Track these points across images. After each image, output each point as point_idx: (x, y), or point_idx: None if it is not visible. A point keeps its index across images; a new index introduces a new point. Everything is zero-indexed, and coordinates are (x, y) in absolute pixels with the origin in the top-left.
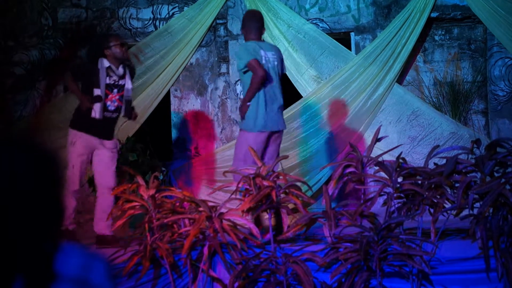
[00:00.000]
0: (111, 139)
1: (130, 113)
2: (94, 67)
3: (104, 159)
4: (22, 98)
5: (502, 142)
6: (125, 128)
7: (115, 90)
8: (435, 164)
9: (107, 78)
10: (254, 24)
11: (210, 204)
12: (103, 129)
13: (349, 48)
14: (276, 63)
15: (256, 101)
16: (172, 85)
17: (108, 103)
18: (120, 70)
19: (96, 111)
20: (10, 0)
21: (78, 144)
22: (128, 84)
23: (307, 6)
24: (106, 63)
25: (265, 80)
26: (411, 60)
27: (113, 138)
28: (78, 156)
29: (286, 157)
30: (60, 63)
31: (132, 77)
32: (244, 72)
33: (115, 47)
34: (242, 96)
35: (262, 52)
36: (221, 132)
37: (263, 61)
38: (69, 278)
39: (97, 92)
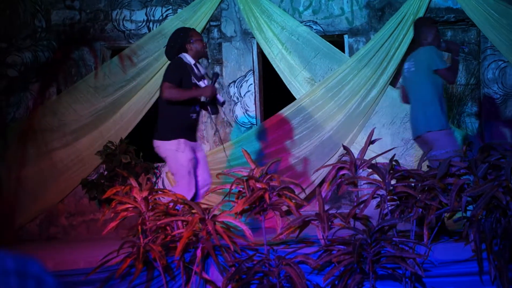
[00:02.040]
0: (197, 141)
1: (216, 111)
2: (184, 63)
3: (201, 160)
4: (15, 100)
5: (495, 144)
6: (119, 131)
7: (215, 78)
8: (428, 166)
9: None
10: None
11: (203, 206)
12: (193, 131)
13: (343, 51)
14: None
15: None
16: None
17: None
18: (200, 69)
19: (194, 113)
20: (3, 1)
21: (186, 150)
22: (205, 83)
23: (301, 9)
24: (191, 59)
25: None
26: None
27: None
28: (190, 161)
29: (279, 159)
30: (54, 65)
31: None
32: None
33: (197, 42)
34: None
35: None
36: (214, 134)
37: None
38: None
39: (203, 83)
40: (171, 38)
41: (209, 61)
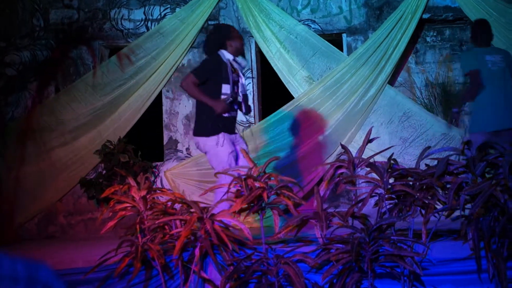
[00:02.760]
0: (236, 133)
1: (248, 109)
2: (219, 61)
3: (240, 153)
4: (13, 99)
5: (493, 143)
6: (117, 130)
7: (235, 88)
8: (426, 165)
9: (232, 74)
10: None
11: (202, 205)
12: (232, 125)
13: (341, 49)
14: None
15: None
16: (164, 86)
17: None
18: (237, 66)
19: (239, 107)
20: (2, 1)
21: (225, 143)
22: (243, 79)
23: (299, 7)
24: (229, 56)
25: None
26: (402, 62)
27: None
28: (230, 154)
29: (277, 158)
30: (52, 64)
31: None
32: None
33: (237, 39)
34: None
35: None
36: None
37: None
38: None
39: (226, 88)
40: (212, 34)
41: None
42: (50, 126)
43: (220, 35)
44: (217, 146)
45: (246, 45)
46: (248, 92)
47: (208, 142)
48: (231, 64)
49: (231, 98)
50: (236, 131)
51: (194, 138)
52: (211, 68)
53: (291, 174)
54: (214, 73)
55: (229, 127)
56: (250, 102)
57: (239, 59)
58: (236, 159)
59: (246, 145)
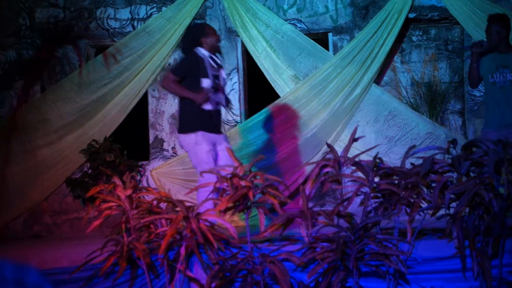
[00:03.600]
0: (222, 133)
1: (228, 104)
2: (196, 57)
3: (221, 154)
4: None
5: (478, 142)
6: (103, 129)
7: (216, 81)
8: (411, 164)
9: (211, 68)
10: None
11: (187, 204)
12: (215, 123)
13: (327, 49)
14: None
15: None
16: (150, 85)
17: (214, 95)
18: (217, 60)
19: (207, 104)
20: None
21: (203, 142)
22: (223, 73)
23: (285, 7)
24: (206, 52)
25: None
26: (388, 61)
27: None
28: (208, 152)
29: (263, 157)
30: (38, 63)
31: None
32: None
33: (212, 36)
34: None
35: None
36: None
37: None
38: None
39: (206, 82)
40: (187, 33)
41: None
42: (36, 125)
43: (195, 33)
44: (195, 144)
45: (232, 44)
46: (234, 91)
47: (187, 139)
48: (209, 59)
49: (212, 89)
50: (223, 132)
51: (177, 135)
52: (189, 64)
53: (277, 173)
54: (192, 69)
55: (210, 125)
56: (236, 101)
57: (216, 57)
58: (215, 159)
59: (229, 145)
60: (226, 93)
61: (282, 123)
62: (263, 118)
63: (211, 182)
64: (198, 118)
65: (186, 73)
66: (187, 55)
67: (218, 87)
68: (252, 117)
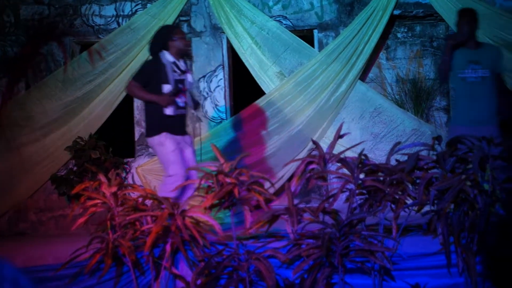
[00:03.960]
0: (187, 134)
1: (195, 106)
2: (157, 63)
3: (188, 155)
4: None
5: (462, 139)
6: (88, 126)
7: (180, 86)
8: (397, 160)
9: (173, 73)
10: None
11: (173, 201)
12: (179, 126)
13: (312, 45)
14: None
15: None
16: None
17: (177, 100)
18: (182, 64)
19: (169, 108)
20: None
21: (167, 142)
22: (190, 78)
23: (271, 3)
24: (170, 57)
25: None
26: (373, 57)
27: (188, 134)
28: (173, 152)
29: (248, 154)
30: (22, 60)
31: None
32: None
33: (179, 40)
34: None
35: None
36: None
37: None
38: None
39: (167, 88)
40: (155, 35)
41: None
42: (21, 122)
43: (162, 36)
44: (160, 145)
45: (217, 41)
46: (220, 88)
47: (153, 141)
48: (171, 65)
49: (174, 91)
50: (188, 133)
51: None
52: (149, 70)
53: (262, 170)
54: (153, 75)
55: (174, 127)
56: (221, 98)
57: (181, 62)
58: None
59: (193, 149)
60: (194, 96)
61: (267, 120)
62: (249, 115)
63: (178, 180)
64: (161, 120)
65: (147, 79)
66: (152, 56)
67: (180, 92)
68: (238, 114)
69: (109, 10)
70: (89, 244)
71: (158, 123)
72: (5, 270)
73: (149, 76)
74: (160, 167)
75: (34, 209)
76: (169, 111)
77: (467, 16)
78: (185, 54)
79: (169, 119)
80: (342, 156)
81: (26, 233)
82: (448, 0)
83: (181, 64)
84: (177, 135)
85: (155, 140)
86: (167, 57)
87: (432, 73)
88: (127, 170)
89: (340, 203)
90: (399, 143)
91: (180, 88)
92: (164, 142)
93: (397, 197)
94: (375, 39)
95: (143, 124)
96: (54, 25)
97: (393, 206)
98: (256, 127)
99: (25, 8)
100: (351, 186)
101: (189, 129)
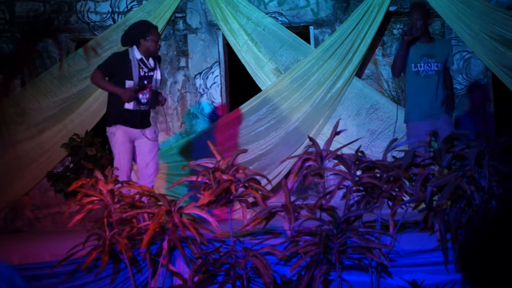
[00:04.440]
0: (148, 126)
1: (155, 105)
2: (124, 57)
3: (144, 149)
4: None
5: (459, 135)
6: (84, 123)
7: (145, 82)
8: (393, 157)
9: (139, 70)
10: None
11: (170, 198)
12: (138, 120)
13: (308, 42)
14: None
15: None
16: None
17: (140, 96)
18: (151, 62)
19: (130, 103)
20: None
21: (117, 133)
22: (157, 75)
23: (266, 0)
24: (138, 54)
25: None
26: (370, 54)
27: (150, 126)
28: (122, 144)
29: (245, 150)
30: (18, 57)
31: (160, 67)
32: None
33: (151, 42)
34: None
35: None
36: (180, 126)
37: None
38: None
39: (129, 84)
40: (131, 27)
41: (175, 53)
42: (16, 119)
43: (136, 32)
44: (112, 136)
45: (213, 38)
46: (216, 84)
47: (108, 131)
48: (138, 62)
49: (137, 87)
50: (150, 125)
51: None
52: (114, 63)
53: (259, 167)
54: (118, 69)
55: (132, 121)
56: (218, 95)
57: (150, 60)
58: (130, 153)
59: (154, 142)
60: (156, 96)
61: (264, 116)
62: (245, 112)
63: (121, 175)
64: (118, 113)
65: (111, 72)
66: (116, 52)
67: (145, 88)
68: (234, 111)
69: (105, 7)
70: (86, 241)
71: (115, 115)
72: (0, 269)
73: (114, 67)
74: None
75: (31, 206)
76: (128, 105)
77: (421, 10)
78: (152, 56)
79: (127, 113)
80: (339, 153)
81: (23, 230)
82: None
83: (150, 61)
84: (134, 128)
85: (109, 130)
86: (135, 53)
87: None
88: None
89: (337, 200)
90: (395, 139)
91: (145, 85)
92: (115, 133)
93: (394, 193)
94: (371, 35)
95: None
96: (49, 22)
97: (390, 203)
98: (252, 124)
99: (20, 4)
100: (348, 183)
101: (185, 126)
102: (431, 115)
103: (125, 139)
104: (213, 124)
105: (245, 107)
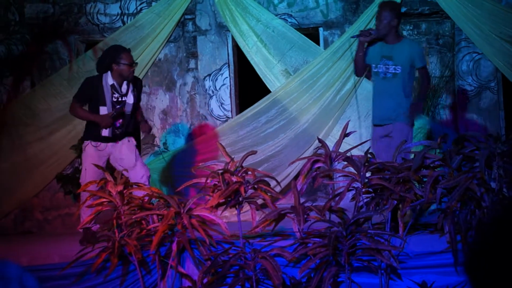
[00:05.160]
0: (122, 138)
1: (131, 128)
2: (96, 83)
3: (122, 158)
4: None
5: (469, 136)
6: None
7: (118, 107)
8: (403, 159)
9: (112, 96)
10: None
11: (179, 200)
12: (113, 139)
13: (318, 43)
14: None
15: None
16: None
17: (115, 121)
18: (124, 87)
19: (106, 130)
20: None
21: (87, 148)
22: (129, 99)
23: (276, 1)
24: (110, 80)
25: None
26: None
27: (125, 137)
28: (90, 157)
29: (254, 152)
30: (27, 58)
31: (139, 90)
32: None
33: (124, 65)
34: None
35: None
36: (189, 127)
37: None
38: None
39: (103, 110)
40: (103, 53)
41: (184, 54)
42: (26, 121)
43: (108, 57)
44: (84, 151)
45: (223, 39)
46: (225, 86)
47: (83, 145)
48: (109, 88)
49: (114, 113)
50: (128, 135)
51: None
52: (86, 89)
53: (268, 169)
54: (91, 95)
55: (107, 138)
56: (227, 96)
57: (120, 86)
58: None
59: (131, 149)
60: (147, 120)
61: (273, 117)
62: (254, 113)
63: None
64: (93, 131)
65: (86, 99)
66: (88, 78)
67: (121, 115)
68: (243, 113)
69: (114, 9)
70: (95, 243)
71: (89, 132)
72: (11, 270)
73: (87, 94)
74: (163, 166)
75: (40, 208)
76: (105, 132)
77: (385, 10)
78: (126, 79)
79: (104, 138)
80: (348, 154)
81: (32, 232)
82: None
83: (123, 86)
84: (108, 142)
85: (83, 144)
86: (108, 79)
87: (438, 70)
88: None
89: (346, 202)
90: (405, 141)
91: (118, 110)
92: (86, 149)
93: (403, 195)
94: None
95: (149, 122)
96: (59, 24)
97: (399, 204)
98: (261, 125)
99: (30, 6)
100: (357, 184)
101: (194, 127)
102: (385, 118)
103: (96, 157)
104: (222, 127)
105: (254, 109)
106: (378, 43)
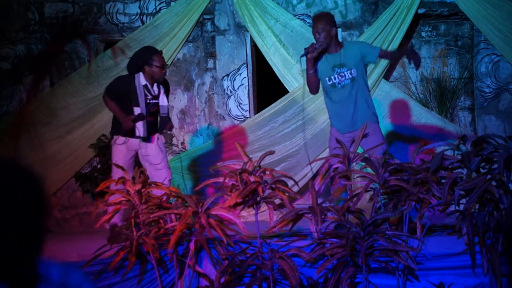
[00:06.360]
0: (152, 136)
1: (163, 129)
2: (129, 83)
3: (149, 154)
4: (8, 93)
5: (488, 138)
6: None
7: (150, 109)
8: (421, 160)
9: (145, 97)
10: None
11: (197, 199)
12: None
13: None
14: None
15: None
16: None
17: (137, 124)
18: (155, 89)
19: (140, 130)
20: None
21: (117, 142)
22: (163, 102)
23: (294, 2)
24: (143, 80)
25: None
26: None
27: (155, 134)
28: (119, 152)
29: (272, 152)
30: (47, 57)
31: (167, 92)
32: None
33: (156, 67)
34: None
35: None
36: (207, 127)
37: None
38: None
39: (137, 110)
40: (135, 54)
41: (203, 54)
42: (45, 119)
43: (141, 58)
44: (113, 144)
45: (241, 39)
46: (243, 86)
47: (112, 140)
48: (143, 89)
49: (143, 114)
50: (156, 132)
51: None
52: (118, 87)
53: (285, 168)
54: (123, 94)
55: (133, 132)
56: (245, 96)
57: (154, 88)
58: (130, 163)
59: (159, 148)
60: (165, 123)
61: (291, 117)
62: (272, 113)
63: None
64: (120, 127)
65: (116, 95)
66: (123, 76)
67: (143, 118)
68: (261, 112)
69: (133, 8)
70: (113, 241)
71: (119, 126)
72: (73, 278)
73: (118, 92)
74: (181, 165)
75: (58, 207)
76: (139, 132)
77: (318, 23)
78: (157, 82)
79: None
80: (366, 155)
81: (50, 230)
82: None
83: (154, 88)
84: (135, 138)
85: (113, 139)
86: (141, 79)
87: (457, 72)
88: None
89: (364, 203)
90: (425, 143)
91: (151, 112)
92: (116, 143)
93: (421, 196)
94: (399, 38)
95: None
96: (78, 23)
97: (417, 205)
98: (279, 125)
99: (49, 6)
100: (375, 185)
101: (212, 127)
102: (360, 122)
103: (125, 150)
104: (240, 127)
105: (272, 109)
106: (323, 56)
